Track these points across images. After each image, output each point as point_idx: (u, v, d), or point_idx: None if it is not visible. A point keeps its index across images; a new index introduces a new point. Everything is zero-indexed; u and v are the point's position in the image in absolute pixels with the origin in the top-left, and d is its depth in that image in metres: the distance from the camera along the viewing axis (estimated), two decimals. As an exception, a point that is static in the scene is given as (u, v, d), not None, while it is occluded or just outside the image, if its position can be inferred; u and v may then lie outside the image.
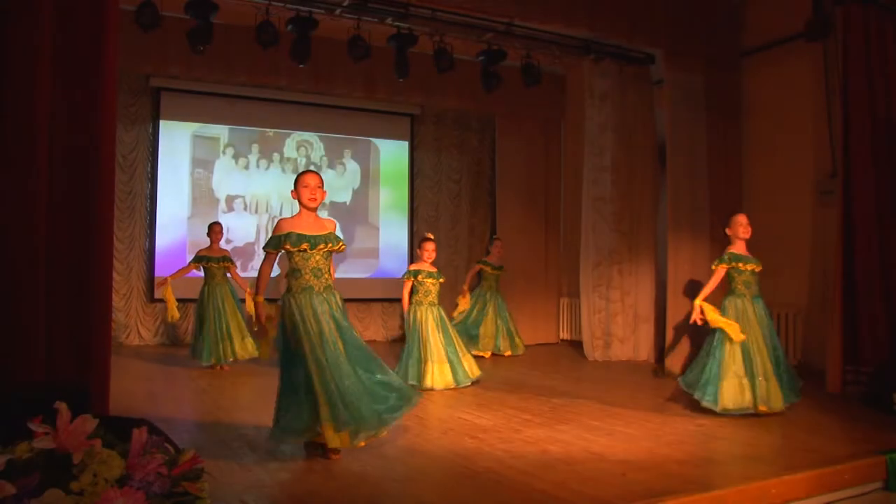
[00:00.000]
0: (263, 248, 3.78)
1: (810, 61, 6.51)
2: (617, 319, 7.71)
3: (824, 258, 6.06)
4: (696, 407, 4.73)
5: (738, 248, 4.84)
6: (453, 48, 7.29)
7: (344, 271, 9.53)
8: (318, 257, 3.70)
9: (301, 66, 7.13)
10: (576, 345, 8.59)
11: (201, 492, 2.08)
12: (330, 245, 3.74)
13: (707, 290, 4.86)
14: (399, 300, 6.34)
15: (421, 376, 5.67)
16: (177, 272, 6.96)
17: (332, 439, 3.42)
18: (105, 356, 3.03)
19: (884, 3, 5.44)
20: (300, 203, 3.75)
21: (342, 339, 3.59)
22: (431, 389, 5.61)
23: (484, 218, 10.15)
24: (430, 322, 5.86)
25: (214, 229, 6.94)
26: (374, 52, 7.07)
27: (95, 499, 1.88)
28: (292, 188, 3.77)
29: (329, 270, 3.79)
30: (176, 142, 8.65)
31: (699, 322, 4.84)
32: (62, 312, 2.87)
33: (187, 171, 8.72)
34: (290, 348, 3.60)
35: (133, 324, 8.44)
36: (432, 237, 6.18)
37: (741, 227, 4.81)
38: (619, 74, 7.76)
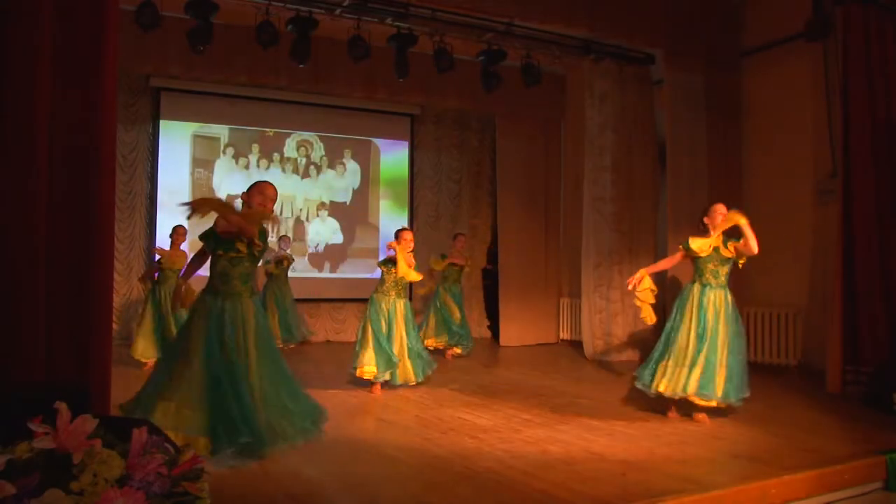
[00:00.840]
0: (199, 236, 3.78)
1: (810, 61, 6.51)
2: (617, 320, 7.71)
3: (824, 258, 6.06)
4: (696, 407, 4.73)
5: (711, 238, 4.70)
6: (453, 48, 7.28)
7: (344, 271, 9.54)
8: (247, 263, 3.67)
9: (301, 66, 7.13)
10: (576, 345, 8.59)
11: (201, 492, 2.08)
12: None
13: (659, 265, 5.04)
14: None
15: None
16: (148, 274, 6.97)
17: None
18: (105, 356, 3.03)
19: (884, 3, 5.44)
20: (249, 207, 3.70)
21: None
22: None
23: (485, 218, 10.15)
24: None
25: (179, 231, 6.80)
26: (374, 52, 7.07)
27: (95, 499, 1.88)
28: (244, 191, 3.74)
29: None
30: (176, 142, 8.65)
31: (630, 287, 4.92)
32: (62, 312, 2.87)
33: (187, 171, 8.72)
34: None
35: (134, 324, 8.42)
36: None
37: (719, 215, 4.67)
38: (619, 74, 7.76)
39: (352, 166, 9.62)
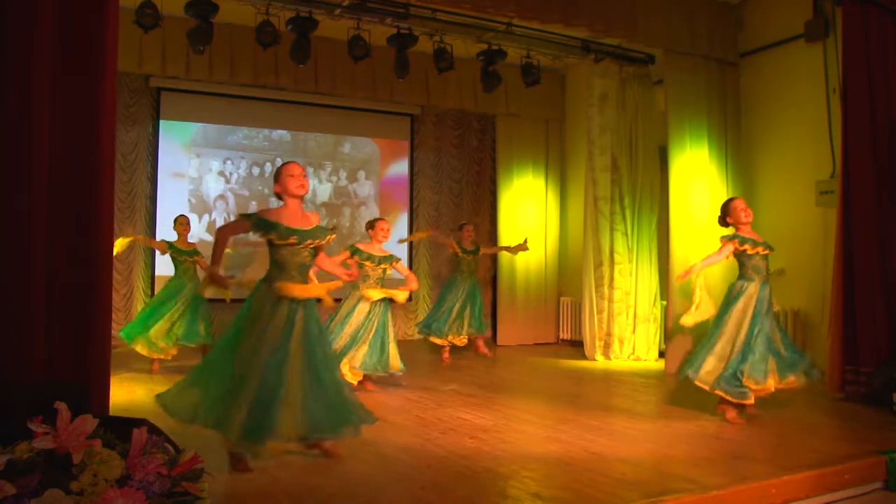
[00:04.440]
0: (242, 215, 3.59)
1: (810, 61, 6.51)
2: (618, 319, 7.71)
3: (824, 258, 6.06)
4: (695, 407, 4.73)
5: (745, 233, 4.68)
6: (453, 48, 7.28)
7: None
8: (304, 253, 3.56)
9: (301, 66, 7.13)
10: (576, 345, 8.59)
11: (201, 492, 2.08)
12: (318, 241, 3.59)
13: (710, 259, 4.71)
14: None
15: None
16: (149, 240, 6.99)
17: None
18: (105, 356, 3.03)
19: (884, 3, 5.43)
20: (287, 193, 3.55)
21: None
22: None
23: (485, 218, 10.15)
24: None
25: (181, 221, 6.72)
26: (374, 52, 7.06)
27: (95, 499, 1.88)
28: (274, 182, 3.58)
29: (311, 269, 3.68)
30: (176, 142, 8.66)
31: (682, 279, 4.87)
32: (62, 312, 2.87)
33: (187, 171, 8.72)
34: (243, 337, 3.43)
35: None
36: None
37: (741, 211, 4.65)
38: (619, 74, 7.76)
39: (352, 166, 9.62)
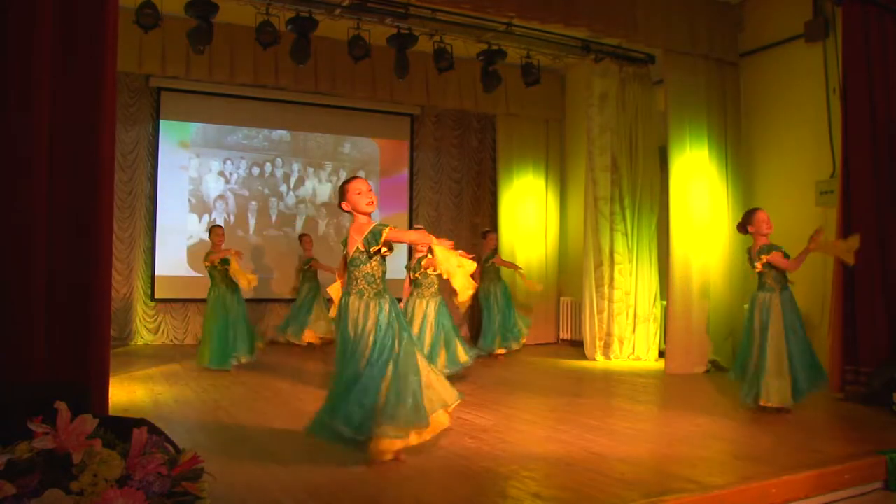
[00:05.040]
0: (375, 250, 3.54)
1: (810, 61, 6.50)
2: (618, 319, 7.71)
3: (824, 258, 6.06)
4: (696, 407, 4.73)
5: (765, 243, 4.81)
6: (453, 48, 7.28)
7: (344, 271, 9.52)
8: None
9: (301, 66, 7.13)
10: (576, 345, 8.59)
11: (201, 492, 2.08)
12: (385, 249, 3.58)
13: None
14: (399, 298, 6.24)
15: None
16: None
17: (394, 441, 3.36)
18: (105, 356, 3.03)
19: (884, 3, 5.43)
20: (358, 210, 3.56)
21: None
22: None
23: (485, 217, 10.15)
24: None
25: (217, 231, 6.78)
26: (374, 52, 7.07)
27: (95, 499, 1.88)
28: (341, 199, 3.59)
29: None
30: (176, 142, 8.66)
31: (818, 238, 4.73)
32: (62, 312, 2.87)
33: (187, 171, 8.72)
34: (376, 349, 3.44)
35: (134, 324, 8.44)
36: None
37: (765, 223, 4.80)
38: (619, 74, 7.76)
39: (352, 166, 9.61)
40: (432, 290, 5.93)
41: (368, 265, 3.52)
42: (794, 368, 4.59)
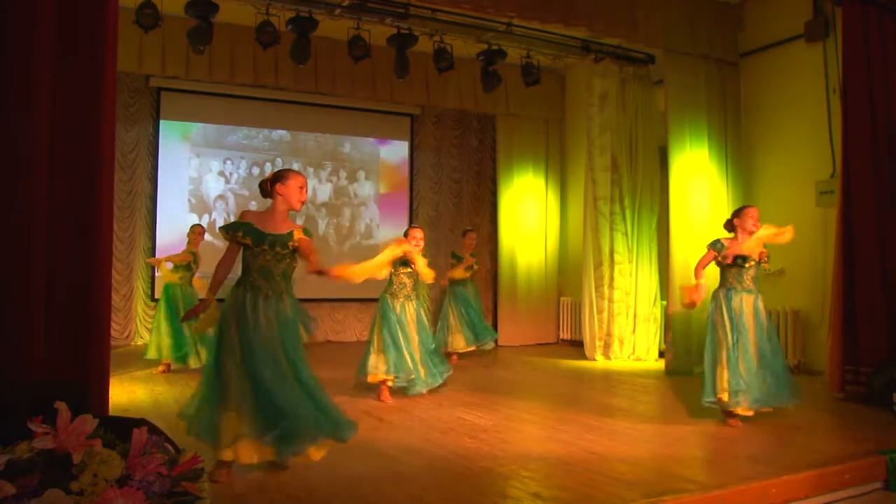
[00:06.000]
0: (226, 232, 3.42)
1: (810, 61, 6.51)
2: (618, 319, 7.71)
3: (824, 258, 6.06)
4: (695, 408, 4.73)
5: (741, 240, 4.55)
6: (453, 48, 7.29)
7: (344, 271, 9.51)
8: (268, 257, 3.36)
9: (301, 66, 7.13)
10: (576, 345, 8.59)
11: (201, 492, 2.08)
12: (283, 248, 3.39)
13: (700, 271, 4.58)
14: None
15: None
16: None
17: (250, 454, 3.16)
18: (105, 356, 3.03)
19: (884, 3, 5.43)
20: (286, 201, 3.43)
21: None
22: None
23: (485, 217, 10.15)
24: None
25: (195, 230, 6.75)
26: (374, 52, 7.07)
27: (95, 499, 1.88)
28: (277, 182, 3.42)
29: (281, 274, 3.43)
30: (176, 142, 8.66)
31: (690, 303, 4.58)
32: (62, 312, 2.87)
33: (187, 171, 8.72)
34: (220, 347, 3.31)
35: (134, 324, 8.44)
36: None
37: (751, 219, 4.53)
38: (619, 74, 7.76)
39: (351, 166, 9.62)
40: (405, 291, 5.56)
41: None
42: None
